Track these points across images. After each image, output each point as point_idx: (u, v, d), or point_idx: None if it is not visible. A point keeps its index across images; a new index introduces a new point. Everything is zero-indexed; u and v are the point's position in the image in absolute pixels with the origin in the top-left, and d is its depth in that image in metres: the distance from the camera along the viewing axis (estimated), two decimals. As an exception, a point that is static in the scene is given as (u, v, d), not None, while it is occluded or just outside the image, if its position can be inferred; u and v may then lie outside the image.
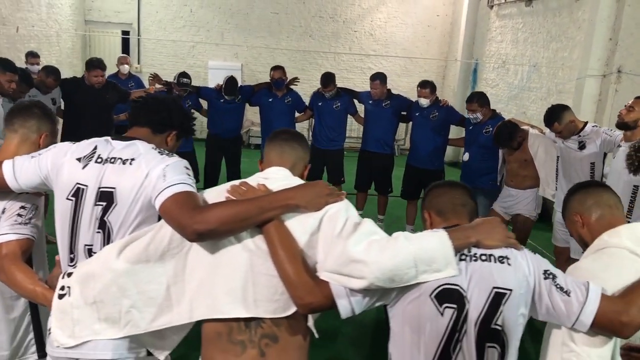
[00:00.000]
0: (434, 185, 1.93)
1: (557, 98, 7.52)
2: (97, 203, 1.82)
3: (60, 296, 1.77)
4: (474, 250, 1.62)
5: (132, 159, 1.84)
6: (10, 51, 7.58)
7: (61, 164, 1.89)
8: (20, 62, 7.31)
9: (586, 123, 4.30)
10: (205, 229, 1.57)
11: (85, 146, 1.92)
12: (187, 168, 1.83)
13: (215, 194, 1.77)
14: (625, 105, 3.96)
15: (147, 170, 1.79)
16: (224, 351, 1.66)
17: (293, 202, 1.65)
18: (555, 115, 4.33)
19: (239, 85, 6.19)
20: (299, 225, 1.66)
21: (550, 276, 1.63)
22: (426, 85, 5.68)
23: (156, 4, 11.18)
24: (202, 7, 11.30)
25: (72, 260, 1.87)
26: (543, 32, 8.17)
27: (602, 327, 1.57)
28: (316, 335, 1.71)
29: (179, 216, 1.63)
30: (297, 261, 1.59)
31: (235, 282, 1.64)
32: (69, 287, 1.77)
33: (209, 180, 6.41)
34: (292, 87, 6.47)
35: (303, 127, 8.74)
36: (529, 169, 4.67)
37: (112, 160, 1.85)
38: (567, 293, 1.59)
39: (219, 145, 6.36)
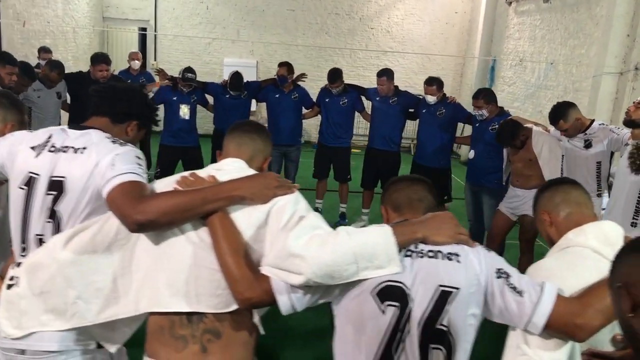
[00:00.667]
0: (392, 180, 1.86)
1: (574, 96, 7.31)
2: (48, 192, 1.78)
3: (9, 286, 1.74)
4: (421, 247, 1.54)
5: (84, 148, 1.80)
6: (24, 47, 7.68)
7: (16, 152, 1.86)
8: (33, 58, 7.43)
9: (593, 121, 4.14)
10: (145, 219, 1.52)
11: (40, 135, 1.89)
12: (139, 157, 1.78)
13: (165, 184, 1.71)
14: (633, 102, 3.80)
15: (97, 160, 1.75)
16: (166, 345, 1.60)
17: (238, 194, 1.58)
18: (561, 113, 4.18)
19: (244, 80, 6.14)
20: (244, 218, 1.60)
21: (504, 275, 1.53)
22: (432, 82, 5.56)
23: (173, 0, 11.24)
24: (218, 4, 11.32)
25: (24, 250, 1.84)
26: (561, 28, 7.95)
27: (556, 329, 1.47)
28: (262, 332, 1.64)
29: (121, 206, 1.58)
30: (239, 255, 1.53)
31: (178, 275, 1.58)
32: (17, 277, 1.74)
33: (215, 175, 6.38)
34: (299, 83, 6.41)
35: (311, 123, 8.66)
36: (534, 169, 4.51)
37: (65, 149, 1.82)
38: (521, 293, 1.49)
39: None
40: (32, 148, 1.84)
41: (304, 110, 6.51)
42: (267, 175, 1.65)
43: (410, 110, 5.96)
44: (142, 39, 11.45)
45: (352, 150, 6.62)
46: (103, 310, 1.69)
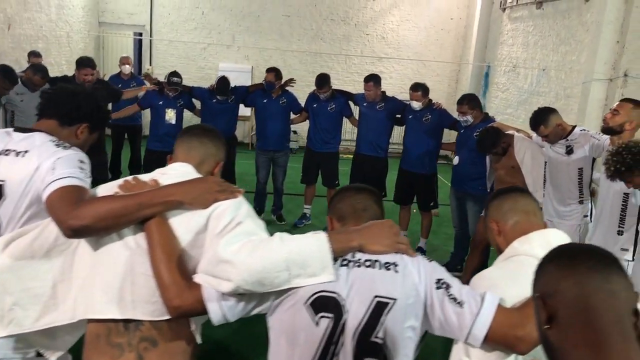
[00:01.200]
0: (338, 189, 1.82)
1: (565, 102, 7.28)
2: None
3: (-54, 292, 1.71)
4: (358, 256, 1.49)
5: (26, 151, 1.77)
6: (15, 51, 7.70)
7: None
8: (23, 62, 7.43)
9: (574, 127, 4.10)
10: (79, 224, 1.49)
11: None
12: (82, 161, 1.75)
13: (107, 189, 1.68)
14: (610, 109, 3.76)
15: (38, 163, 1.73)
16: (102, 354, 1.56)
17: (175, 199, 1.55)
18: (541, 118, 4.14)
19: (231, 85, 6.12)
20: (183, 223, 1.56)
21: (444, 285, 1.48)
22: (418, 88, 5.54)
23: (168, 6, 11.26)
24: (213, 9, 11.33)
25: (-34, 255, 1.80)
26: (553, 35, 7.92)
27: (496, 341, 1.41)
28: (199, 341, 1.61)
29: (57, 210, 1.55)
30: (172, 261, 1.49)
31: (113, 281, 1.55)
32: None
33: (203, 181, 6.36)
34: (288, 88, 6.38)
35: (299, 128, 8.61)
36: (517, 176, 4.47)
37: (7, 152, 1.79)
38: (461, 304, 1.44)
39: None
40: None
41: (293, 116, 6.49)
42: (207, 180, 1.62)
43: (398, 115, 5.93)
44: (138, 44, 11.47)
45: (342, 155, 6.58)
46: (41, 317, 1.66)
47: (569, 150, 4.03)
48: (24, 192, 1.73)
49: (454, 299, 1.45)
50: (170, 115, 5.95)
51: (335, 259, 1.46)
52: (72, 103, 1.95)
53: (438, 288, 1.47)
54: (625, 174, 3.04)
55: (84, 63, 5.49)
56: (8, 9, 7.65)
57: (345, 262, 1.48)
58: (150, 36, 11.29)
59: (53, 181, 1.63)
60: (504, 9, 9.74)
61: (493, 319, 1.41)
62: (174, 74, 5.96)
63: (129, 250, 1.56)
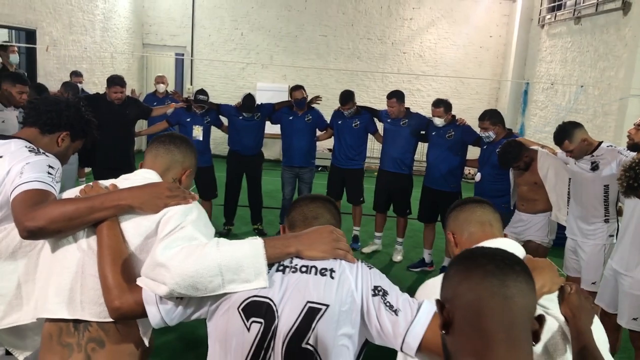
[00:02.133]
0: (295, 200, 1.80)
1: (603, 120, 7.02)
2: None
3: None
4: (295, 261, 1.47)
5: (0, 157, 1.84)
6: (59, 71, 8.08)
7: None
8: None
9: (600, 142, 3.93)
10: (34, 226, 1.53)
11: None
12: (50, 167, 1.80)
13: (71, 193, 1.73)
14: (634, 124, 3.59)
15: (9, 167, 1.79)
16: (53, 353, 1.59)
17: (125, 203, 1.57)
18: (566, 133, 3.99)
19: (256, 103, 6.21)
20: (133, 227, 1.59)
21: (380, 293, 1.43)
22: (440, 104, 5.46)
23: (209, 27, 11.59)
24: (252, 30, 11.58)
25: (-56, 256, 1.88)
26: (591, 50, 7.68)
27: (431, 350, 1.34)
28: (147, 344, 1.61)
29: (17, 212, 1.60)
30: (117, 264, 1.51)
31: (65, 282, 1.58)
32: None
33: (230, 195, 6.46)
34: (313, 105, 6.42)
35: (325, 145, 8.62)
36: (540, 192, 4.32)
37: None
38: (396, 312, 1.39)
39: (239, 161, 6.39)
40: None
41: (318, 133, 6.51)
42: (159, 185, 1.64)
43: (422, 132, 5.86)
44: (180, 64, 11.83)
45: (366, 172, 6.54)
46: (6, 316, 1.71)
47: (595, 167, 3.86)
48: None
49: (390, 307, 1.40)
50: (198, 131, 6.07)
51: (271, 265, 1.45)
52: (53, 112, 2.02)
53: (374, 295, 1.43)
54: (639, 190, 2.89)
55: (114, 81, 5.68)
56: (54, 31, 8.06)
57: (281, 268, 1.46)
58: (192, 56, 11.63)
59: (19, 184, 1.69)
60: (542, 26, 9.53)
61: (428, 327, 1.35)
62: (201, 91, 6.09)
63: (81, 252, 1.59)
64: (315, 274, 1.44)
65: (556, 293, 1.53)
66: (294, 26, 11.55)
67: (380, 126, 6.30)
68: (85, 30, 9.03)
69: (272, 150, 11.06)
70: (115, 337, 1.58)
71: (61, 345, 1.59)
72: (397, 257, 6.07)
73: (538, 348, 1.47)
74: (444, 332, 1.06)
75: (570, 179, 4.14)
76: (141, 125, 7.68)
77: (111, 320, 1.55)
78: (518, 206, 4.54)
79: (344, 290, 1.42)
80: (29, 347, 1.81)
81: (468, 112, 9.85)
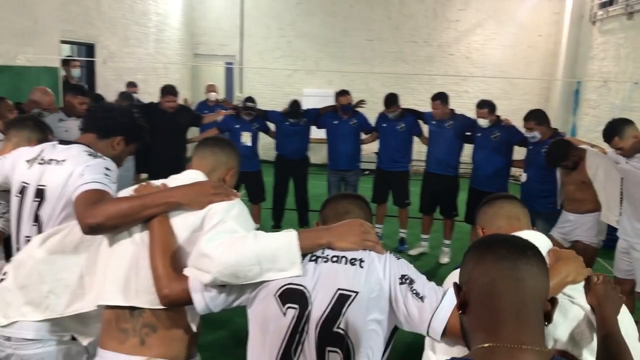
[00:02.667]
0: (328, 198, 1.91)
1: (658, 118, 6.79)
2: (34, 199, 2.04)
3: (1, 280, 1.99)
4: (327, 252, 1.58)
5: (64, 160, 2.04)
6: (116, 82, 8.48)
7: (15, 165, 2.15)
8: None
9: (653, 140, 3.84)
10: (94, 222, 1.70)
11: (35, 149, 2.17)
12: (107, 169, 1.98)
13: (127, 192, 1.89)
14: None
15: (71, 170, 1.98)
16: (112, 337, 1.75)
17: (174, 200, 1.71)
18: (616, 130, 3.93)
19: (302, 108, 6.36)
20: (182, 222, 1.73)
21: (407, 281, 1.52)
22: (484, 106, 5.46)
23: (257, 36, 11.88)
24: (298, 38, 11.79)
25: (18, 250, 2.10)
26: (645, 46, 7.46)
27: (456, 334, 1.40)
28: (194, 330, 1.74)
29: (79, 210, 1.78)
30: (166, 255, 1.65)
31: (121, 273, 1.73)
32: (7, 272, 1.98)
33: (278, 199, 6.63)
34: (358, 109, 6.52)
35: (372, 149, 8.67)
36: (588, 192, 4.25)
37: (50, 161, 2.07)
38: (422, 299, 1.48)
39: (286, 165, 6.56)
40: (27, 161, 2.12)
41: (364, 136, 6.60)
42: (204, 183, 1.77)
43: (468, 133, 5.85)
44: (229, 73, 12.17)
45: (415, 175, 6.58)
46: (70, 305, 1.89)
47: None
48: (60, 195, 2.00)
49: (417, 294, 1.49)
50: (246, 137, 6.27)
51: (305, 255, 1.56)
52: (108, 118, 2.20)
53: (402, 283, 1.52)
54: None
55: (167, 91, 5.97)
56: (111, 45, 8.50)
57: (313, 258, 1.57)
58: (240, 65, 11.95)
59: (81, 185, 1.87)
60: (593, 22, 9.30)
61: (452, 313, 1.42)
62: (249, 99, 6.30)
63: (135, 245, 1.75)
64: (345, 263, 1.54)
65: (582, 283, 1.58)
66: (339, 32, 11.69)
67: (425, 128, 6.33)
68: (139, 43, 9.46)
69: (319, 154, 11.20)
70: (166, 322, 1.72)
71: (119, 330, 1.74)
72: (444, 259, 6.07)
73: (564, 336, 1.53)
74: (460, 312, 1.14)
75: (622, 178, 4.06)
76: (193, 132, 7.98)
77: (162, 307, 1.69)
78: (565, 206, 4.48)
79: (373, 278, 1.52)
80: (91, 333, 1.98)
81: (517, 113, 9.60)
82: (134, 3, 9.18)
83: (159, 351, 1.71)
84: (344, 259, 1.55)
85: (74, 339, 1.99)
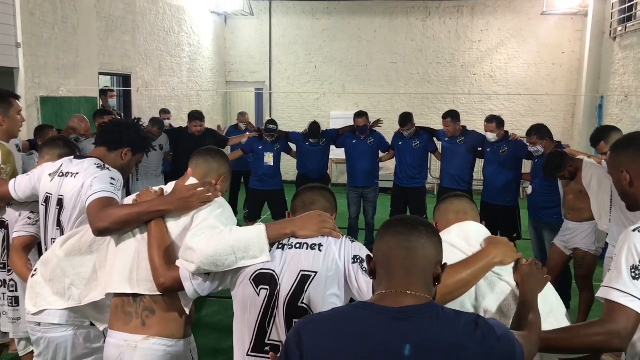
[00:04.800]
0: (297, 190, 2.18)
1: (675, 130, 6.84)
2: (56, 207, 2.43)
3: (32, 275, 2.36)
4: (292, 240, 1.88)
5: (77, 173, 2.43)
6: (151, 110, 9.04)
7: (41, 178, 2.55)
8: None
9: None
10: (102, 226, 2.07)
11: (56, 164, 2.57)
12: (112, 179, 2.36)
13: (131, 199, 2.24)
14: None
15: (82, 181, 2.36)
16: (118, 319, 2.09)
17: (163, 208, 2.06)
18: (602, 135, 4.12)
19: (321, 129, 6.70)
20: (175, 222, 2.08)
21: (359, 260, 1.81)
22: (492, 120, 5.68)
23: (285, 62, 12.37)
24: (325, 62, 12.22)
25: (46, 250, 2.47)
26: (662, 60, 7.53)
27: None
28: (187, 312, 2.06)
29: (90, 216, 2.15)
30: (161, 250, 1.99)
31: (125, 265, 2.08)
32: (36, 269, 2.36)
33: (300, 216, 6.93)
34: (375, 128, 6.82)
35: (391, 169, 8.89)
36: (586, 201, 4.41)
37: (67, 174, 2.47)
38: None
39: (307, 184, 6.86)
40: (49, 174, 2.52)
41: (381, 154, 6.88)
42: (182, 190, 2.06)
43: (479, 149, 6.07)
44: (259, 98, 12.68)
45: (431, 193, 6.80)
46: (88, 295, 2.24)
47: None
48: (75, 204, 2.39)
49: (366, 271, 1.77)
50: (269, 158, 6.64)
51: (272, 244, 1.86)
52: (116, 132, 2.57)
53: (354, 262, 1.82)
54: None
55: (194, 116, 6.43)
56: (146, 75, 9.09)
57: (280, 246, 1.88)
58: (270, 90, 12.45)
59: (91, 195, 2.24)
60: (614, 38, 9.38)
61: None
62: (271, 122, 6.69)
63: (137, 242, 2.09)
64: (307, 248, 1.85)
65: (512, 264, 1.84)
66: (364, 56, 12.07)
67: (440, 145, 6.57)
68: (173, 72, 10.05)
69: (344, 174, 11.52)
70: (163, 306, 2.05)
71: (124, 314, 2.08)
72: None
73: (493, 307, 1.79)
74: (371, 277, 1.43)
75: (612, 186, 4.22)
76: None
77: (159, 293, 2.02)
78: (565, 215, 4.65)
79: (330, 259, 1.82)
80: (107, 319, 2.30)
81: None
82: (167, 36, 9.79)
83: (157, 330, 2.04)
84: (305, 245, 1.85)
85: (92, 324, 2.34)
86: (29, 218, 2.70)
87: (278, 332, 1.80)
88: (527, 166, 5.96)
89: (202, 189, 2.05)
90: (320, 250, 1.84)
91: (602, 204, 4.28)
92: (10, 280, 2.93)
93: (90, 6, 7.48)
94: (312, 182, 6.68)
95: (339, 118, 11.39)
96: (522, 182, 6.19)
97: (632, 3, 8.64)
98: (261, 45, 12.41)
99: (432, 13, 11.80)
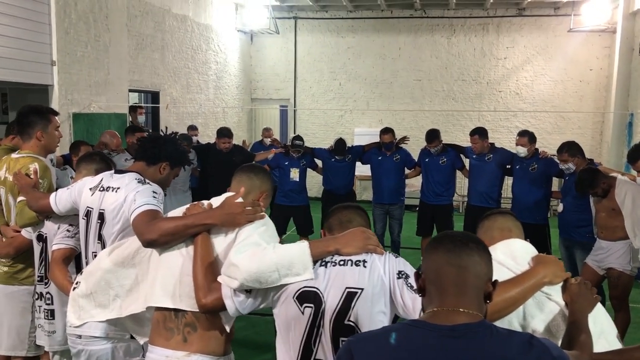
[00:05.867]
0: (331, 209, 2.19)
1: None
2: (97, 221, 2.46)
3: (74, 288, 2.40)
4: (335, 257, 1.87)
5: (118, 188, 2.46)
6: (178, 126, 9.16)
7: (81, 192, 2.59)
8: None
9: (678, 166, 3.95)
10: (150, 238, 2.08)
11: (97, 178, 2.61)
12: (154, 192, 2.38)
13: (178, 212, 2.26)
14: None
15: (124, 196, 2.40)
16: (160, 335, 2.09)
17: (211, 222, 2.07)
18: None
19: (347, 145, 6.72)
20: (221, 237, 2.08)
21: (403, 276, 1.80)
22: (525, 134, 5.66)
23: (310, 80, 12.48)
24: (349, 80, 12.29)
25: (87, 264, 2.52)
26: (694, 77, 7.41)
27: None
28: (227, 330, 2.06)
29: (138, 227, 2.17)
30: (204, 268, 1.99)
31: (169, 279, 2.08)
32: (79, 282, 2.39)
33: (325, 232, 6.93)
34: (401, 145, 6.82)
35: (413, 183, 8.81)
36: (619, 219, 4.34)
37: (108, 188, 2.51)
38: (415, 291, 1.73)
39: (333, 200, 6.86)
40: (90, 189, 2.56)
41: (407, 171, 6.87)
42: (233, 207, 2.07)
43: (508, 166, 6.02)
44: (284, 115, 12.79)
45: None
46: (130, 306, 2.26)
47: None
48: (117, 218, 2.42)
49: (411, 287, 1.76)
50: (295, 173, 6.67)
51: (316, 261, 1.86)
52: (155, 147, 2.61)
53: (399, 278, 1.80)
54: None
55: (223, 133, 6.50)
56: (174, 92, 9.24)
57: (323, 263, 1.87)
58: (295, 107, 12.54)
59: (135, 209, 2.26)
60: (643, 55, 9.28)
61: None
62: (297, 137, 6.73)
63: (182, 257, 2.10)
64: (351, 265, 1.84)
65: (561, 284, 1.81)
66: (389, 73, 12.11)
67: (467, 162, 6.54)
68: (200, 90, 10.21)
69: (370, 191, 11.50)
70: (204, 323, 2.05)
71: (166, 329, 2.08)
72: (488, 291, 6.15)
73: (541, 327, 1.76)
74: (420, 295, 1.42)
75: None
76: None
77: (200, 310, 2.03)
78: (598, 234, 4.57)
79: (375, 275, 1.81)
80: (146, 333, 2.31)
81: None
82: (195, 54, 9.95)
83: (198, 347, 2.04)
84: (349, 262, 1.85)
85: (132, 338, 2.36)
86: (68, 231, 2.75)
87: (324, 351, 1.80)
88: (556, 184, 5.90)
89: (250, 208, 2.07)
90: (364, 267, 1.83)
91: (636, 222, 4.22)
92: (47, 294, 2.96)
93: (122, 24, 7.66)
94: (338, 198, 6.83)
95: (363, 135, 11.40)
96: (551, 200, 6.10)
97: (662, 20, 8.55)
98: (286, 63, 12.54)
99: (457, 30, 11.82)
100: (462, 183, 9.04)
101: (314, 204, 7.07)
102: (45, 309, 2.97)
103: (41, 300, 2.99)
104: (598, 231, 4.57)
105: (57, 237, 2.74)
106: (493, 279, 1.43)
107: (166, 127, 2.85)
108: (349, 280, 1.81)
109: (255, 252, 1.88)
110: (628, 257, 4.34)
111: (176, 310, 2.07)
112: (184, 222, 2.08)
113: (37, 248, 3.01)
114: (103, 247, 2.45)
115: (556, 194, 5.65)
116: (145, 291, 2.19)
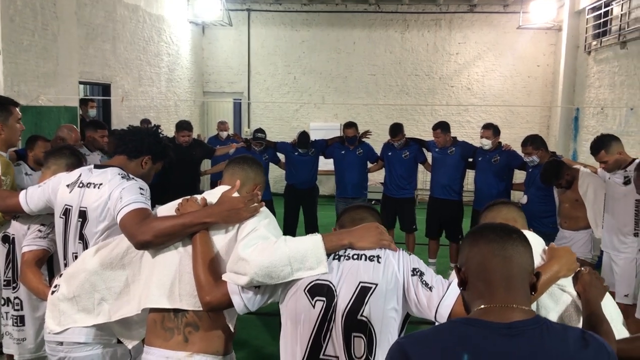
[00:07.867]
0: (344, 209, 2.15)
1: (654, 141, 7.05)
2: (78, 219, 2.29)
3: (53, 292, 2.23)
4: (349, 251, 1.81)
5: (101, 184, 2.30)
6: (130, 119, 8.83)
7: (57, 189, 2.41)
8: (137, 129, 8.52)
9: (634, 159, 4.11)
10: (144, 240, 1.95)
11: (73, 174, 2.43)
12: (141, 188, 2.24)
13: (168, 208, 2.14)
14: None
15: (109, 193, 2.24)
16: (157, 336, 1.97)
17: (210, 219, 1.96)
18: (603, 144, 4.20)
19: (311, 139, 6.66)
20: (221, 233, 1.98)
21: (418, 273, 1.76)
22: (489, 127, 5.79)
23: (264, 73, 12.31)
24: (304, 74, 12.21)
25: (65, 265, 2.35)
26: (639, 73, 7.76)
27: None
28: (231, 329, 1.97)
29: (128, 228, 2.03)
30: (206, 265, 1.89)
31: (165, 278, 1.97)
32: (58, 285, 2.22)
33: (288, 228, 6.84)
34: (364, 139, 6.81)
35: (377, 179, 8.88)
36: (582, 210, 4.50)
37: (89, 185, 2.34)
38: (430, 289, 1.71)
39: (295, 195, 6.82)
40: (67, 185, 2.38)
41: (369, 165, 6.87)
42: (232, 200, 1.99)
43: (470, 159, 6.12)
44: (237, 108, 12.57)
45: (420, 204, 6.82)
46: (119, 310, 2.12)
47: (627, 181, 4.04)
48: (100, 216, 2.26)
49: (426, 284, 1.73)
50: (257, 168, 6.54)
51: (329, 255, 1.79)
52: (136, 140, 2.46)
53: (413, 275, 1.76)
54: None
55: (182, 126, 6.30)
56: (126, 85, 8.89)
57: (337, 257, 1.81)
58: (248, 101, 12.35)
59: (123, 207, 2.12)
60: (588, 52, 9.66)
61: (456, 300, 1.66)
62: (259, 130, 6.61)
63: (179, 254, 1.99)
64: (365, 260, 1.78)
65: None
66: (344, 67, 12.10)
67: (429, 156, 6.61)
68: (152, 82, 9.87)
69: (326, 185, 11.48)
70: (207, 322, 1.95)
71: (164, 330, 1.97)
72: (451, 282, 6.25)
73: (555, 319, 1.76)
74: (462, 289, 1.38)
75: (605, 194, 4.31)
76: (205, 164, 8.28)
77: (202, 309, 1.92)
78: (561, 224, 4.71)
79: (389, 271, 1.76)
80: (135, 336, 2.19)
81: (519, 140, 9.83)
82: (147, 45, 9.61)
83: (200, 347, 1.93)
84: (363, 257, 1.79)
85: (119, 342, 2.22)
86: (40, 231, 2.55)
87: (334, 346, 1.73)
88: (517, 177, 6.05)
89: (250, 200, 1.97)
90: (379, 262, 1.78)
91: (598, 212, 4.37)
92: (15, 299, 2.76)
93: (71, 13, 7.27)
94: (302, 192, 6.77)
95: (318, 129, 11.35)
96: (512, 192, 6.25)
97: (607, 19, 8.91)
98: (239, 56, 12.32)
99: (410, 26, 11.94)
100: (424, 176, 9.17)
101: (277, 199, 6.96)
102: (13, 315, 2.77)
103: (8, 306, 2.79)
104: (561, 221, 4.71)
105: (28, 238, 2.54)
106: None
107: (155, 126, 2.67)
108: (363, 275, 1.76)
109: (265, 245, 1.79)
110: (589, 246, 4.50)
111: (175, 310, 1.96)
112: (181, 221, 1.96)
113: (2, 250, 2.80)
114: (85, 247, 2.29)
115: (518, 187, 5.79)
116: (139, 293, 2.07)
